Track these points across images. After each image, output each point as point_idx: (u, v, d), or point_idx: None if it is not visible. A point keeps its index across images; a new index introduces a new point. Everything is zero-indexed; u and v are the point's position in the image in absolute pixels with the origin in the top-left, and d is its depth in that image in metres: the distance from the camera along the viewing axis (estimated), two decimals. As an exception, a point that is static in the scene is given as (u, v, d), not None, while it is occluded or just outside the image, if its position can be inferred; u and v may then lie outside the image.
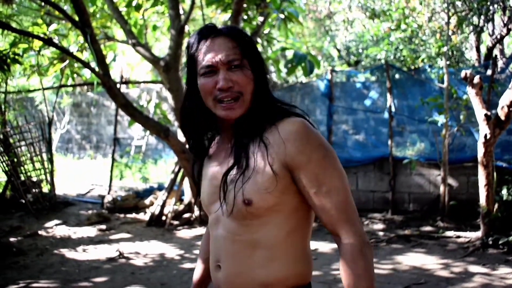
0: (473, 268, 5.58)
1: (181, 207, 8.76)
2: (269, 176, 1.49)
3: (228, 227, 1.57)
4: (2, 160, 8.87)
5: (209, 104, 1.58)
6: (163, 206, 8.36)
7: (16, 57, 7.35)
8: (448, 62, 7.83)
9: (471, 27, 9.56)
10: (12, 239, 7.17)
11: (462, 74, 6.57)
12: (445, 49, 7.82)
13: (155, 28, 10.56)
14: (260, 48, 10.14)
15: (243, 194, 1.50)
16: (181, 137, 8.67)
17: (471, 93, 6.51)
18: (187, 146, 8.28)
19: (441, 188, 7.68)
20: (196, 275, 1.95)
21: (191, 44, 1.62)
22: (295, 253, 1.57)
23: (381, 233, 7.43)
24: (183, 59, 11.53)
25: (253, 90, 1.58)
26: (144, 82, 12.35)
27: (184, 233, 7.88)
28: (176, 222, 8.35)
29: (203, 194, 1.71)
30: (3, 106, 9.48)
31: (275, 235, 1.54)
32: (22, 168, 9.18)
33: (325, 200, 1.49)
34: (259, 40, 9.39)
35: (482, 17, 9.04)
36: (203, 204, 1.73)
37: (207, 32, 1.60)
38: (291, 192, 1.53)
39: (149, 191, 10.00)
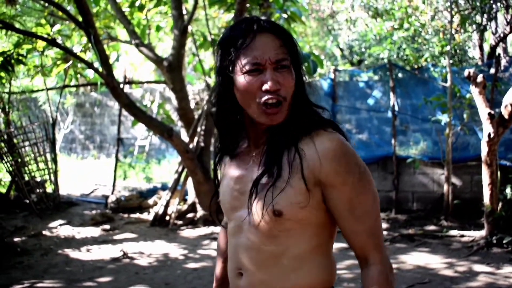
0: (477, 267, 5.58)
1: (185, 207, 8.77)
2: (302, 191, 1.43)
3: (253, 236, 1.52)
4: (6, 160, 8.90)
5: (250, 105, 1.46)
6: (166, 206, 8.37)
7: (20, 57, 7.38)
8: (451, 61, 7.82)
9: (474, 26, 9.54)
10: (16, 239, 7.19)
11: (466, 73, 6.56)
12: (448, 48, 7.81)
13: (158, 28, 10.56)
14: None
15: (273, 205, 1.44)
16: (184, 137, 8.69)
17: (474, 92, 6.49)
18: (190, 146, 8.30)
19: (445, 187, 7.67)
20: (218, 272, 1.93)
21: (232, 37, 1.48)
22: (320, 262, 1.53)
23: (384, 233, 7.43)
24: (187, 59, 11.54)
25: (293, 94, 1.48)
26: (147, 82, 12.37)
27: (188, 233, 7.89)
28: (179, 222, 8.36)
29: (224, 196, 1.65)
30: (7, 107, 9.51)
31: (303, 247, 1.50)
32: (26, 168, 9.20)
33: (357, 224, 1.47)
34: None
35: (485, 15, 9.01)
36: (223, 207, 1.67)
37: (251, 25, 1.47)
38: (322, 209, 1.48)
39: (153, 191, 10.02)
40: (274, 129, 1.49)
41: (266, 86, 1.42)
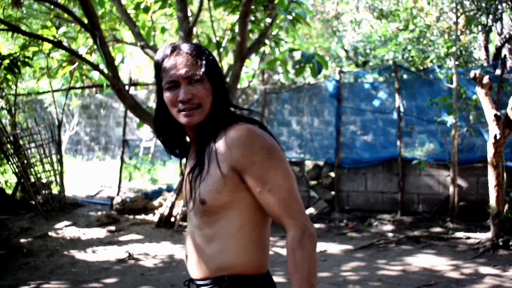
0: (484, 269, 5.56)
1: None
2: (218, 178, 1.68)
3: (194, 223, 1.79)
4: (12, 161, 8.93)
5: (173, 114, 1.78)
6: (172, 207, 8.39)
7: (27, 59, 7.40)
8: (457, 62, 7.80)
9: (480, 27, 9.53)
10: (22, 240, 7.21)
11: (472, 74, 6.54)
12: (454, 49, 7.80)
13: (163, 30, 10.58)
14: (267, 49, 10.15)
15: (200, 194, 1.70)
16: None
17: (480, 93, 6.48)
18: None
19: (451, 189, 7.65)
20: None
21: (157, 62, 1.82)
22: (245, 245, 1.72)
23: (390, 234, 7.42)
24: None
25: (212, 101, 1.77)
26: (152, 84, 12.37)
27: (193, 234, 7.90)
28: (185, 223, 8.37)
29: (184, 191, 1.92)
30: (13, 108, 9.54)
31: (228, 229, 1.71)
32: (32, 169, 9.23)
33: (269, 197, 1.67)
34: (267, 41, 9.39)
35: (491, 16, 9.00)
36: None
37: (170, 51, 1.80)
38: (241, 190, 1.70)
39: (158, 193, 10.03)
40: (199, 129, 1.79)
41: (179, 98, 1.74)
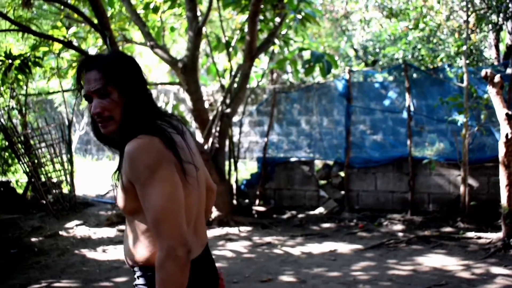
0: (495, 270, 5.52)
1: (200, 207, 8.79)
2: (122, 186, 1.86)
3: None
4: (23, 161, 8.98)
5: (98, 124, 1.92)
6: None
7: (37, 60, 7.44)
8: (467, 61, 7.76)
9: (490, 25, 9.46)
10: (33, 239, 7.25)
11: (483, 73, 6.51)
12: (464, 48, 7.75)
13: (172, 30, 10.61)
14: (277, 49, 10.15)
15: (116, 198, 1.92)
16: (199, 138, 8.71)
17: (491, 92, 6.44)
18: (205, 147, 8.32)
19: (461, 188, 7.61)
20: None
21: (77, 74, 1.98)
22: (148, 245, 1.86)
23: (400, 234, 7.39)
24: (200, 61, 11.57)
25: (122, 111, 1.86)
26: (161, 83, 12.40)
27: (203, 233, 7.91)
28: (194, 223, 8.37)
29: None
30: (23, 108, 9.60)
31: (137, 230, 1.88)
32: (42, 169, 9.28)
33: (147, 213, 1.78)
34: (276, 41, 9.39)
35: (501, 15, 8.93)
36: None
37: (85, 65, 1.91)
38: (138, 200, 1.82)
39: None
40: (119, 137, 1.90)
41: (91, 112, 1.87)
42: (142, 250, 1.88)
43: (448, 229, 7.43)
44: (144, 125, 1.83)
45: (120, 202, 1.88)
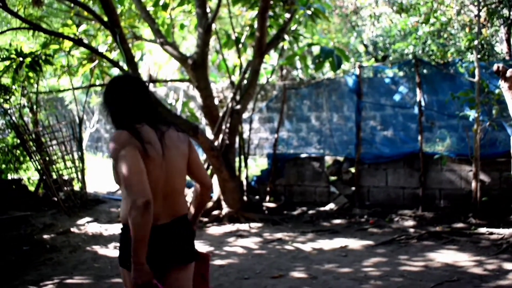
0: (507, 265, 5.48)
1: (210, 204, 8.80)
2: (112, 165, 2.68)
3: None
4: (34, 158, 9.04)
5: None
6: (191, 203, 8.40)
7: (48, 57, 7.47)
8: (478, 56, 7.69)
9: (501, 20, 9.38)
10: (45, 236, 7.30)
11: (494, 67, 6.43)
12: (475, 42, 7.69)
13: (182, 26, 10.62)
14: (286, 45, 10.12)
15: None
16: (209, 134, 8.72)
17: (503, 87, 6.37)
18: (215, 143, 8.34)
19: (473, 184, 7.56)
20: None
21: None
22: (126, 205, 2.62)
23: (411, 230, 7.36)
24: (210, 57, 11.57)
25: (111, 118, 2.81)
26: (171, 80, 12.43)
27: (214, 230, 7.93)
28: (205, 219, 8.40)
29: None
30: (35, 106, 9.66)
31: (123, 196, 2.71)
32: (54, 166, 9.33)
33: (121, 182, 2.56)
34: (286, 37, 9.36)
35: (513, 9, 8.85)
36: None
37: None
38: None
39: (178, 189, 10.06)
40: None
41: None
42: (122, 212, 2.72)
43: (460, 224, 7.39)
44: (119, 125, 2.72)
45: (114, 176, 2.68)
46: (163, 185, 2.68)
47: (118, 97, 2.75)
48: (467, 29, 10.20)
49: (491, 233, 6.77)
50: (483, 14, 9.31)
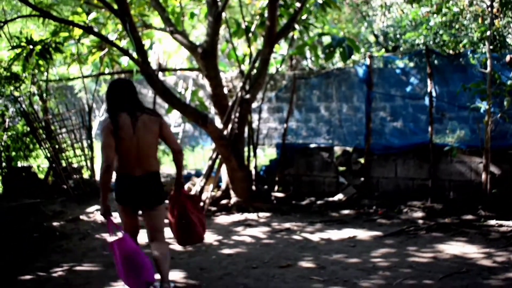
0: (517, 258, 5.45)
1: (219, 193, 8.83)
2: None
3: None
4: (44, 146, 9.08)
5: None
6: (200, 192, 8.44)
7: (58, 46, 7.48)
8: (491, 47, 7.61)
9: (515, 11, 9.25)
10: (55, 224, 7.35)
11: (507, 58, 6.40)
12: (488, 33, 7.61)
13: (192, 15, 10.58)
14: (296, 35, 10.07)
15: None
16: (218, 123, 8.71)
17: (515, 78, 6.32)
18: (224, 132, 8.34)
19: (483, 176, 7.51)
20: None
21: None
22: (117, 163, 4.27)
23: (420, 221, 7.34)
24: (220, 46, 11.54)
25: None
26: (181, 69, 12.43)
27: (222, 219, 7.94)
28: (213, 208, 8.42)
29: None
30: (44, 94, 9.69)
31: None
32: (63, 154, 9.38)
33: None
34: (296, 26, 9.31)
35: (527, 0, 8.73)
36: None
37: None
38: None
39: (187, 178, 10.10)
40: None
41: None
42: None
43: (469, 216, 7.36)
44: (108, 114, 4.25)
45: None
46: (135, 152, 4.18)
47: (108, 96, 4.31)
48: (479, 20, 10.08)
49: (501, 225, 6.74)
50: (496, 5, 9.20)
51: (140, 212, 4.44)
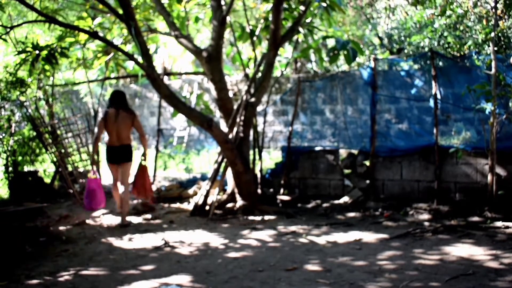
0: (524, 259, 5.44)
1: (224, 197, 8.84)
2: None
3: None
4: (50, 151, 9.13)
5: None
6: (206, 196, 8.45)
7: (64, 50, 7.53)
8: (495, 48, 7.61)
9: (519, 12, 9.23)
10: (61, 228, 7.38)
11: (511, 60, 6.38)
12: (492, 34, 7.60)
13: (197, 19, 10.61)
14: (301, 38, 10.09)
15: None
16: (223, 127, 8.73)
17: (520, 80, 6.31)
18: (230, 136, 8.35)
19: (489, 177, 7.50)
20: None
21: None
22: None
23: (426, 223, 7.33)
24: (225, 50, 11.56)
25: None
26: (186, 73, 12.45)
27: (228, 222, 7.95)
28: (219, 212, 8.43)
29: None
30: (50, 99, 9.74)
31: None
32: (69, 159, 9.42)
33: None
34: (300, 29, 9.33)
35: (531, 1, 8.72)
36: None
37: None
38: None
39: (193, 181, 10.12)
40: None
41: None
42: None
43: (475, 218, 7.34)
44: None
45: None
46: (116, 132, 7.45)
47: (109, 99, 7.51)
48: (484, 22, 10.07)
49: (507, 227, 6.72)
50: (500, 6, 9.19)
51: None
